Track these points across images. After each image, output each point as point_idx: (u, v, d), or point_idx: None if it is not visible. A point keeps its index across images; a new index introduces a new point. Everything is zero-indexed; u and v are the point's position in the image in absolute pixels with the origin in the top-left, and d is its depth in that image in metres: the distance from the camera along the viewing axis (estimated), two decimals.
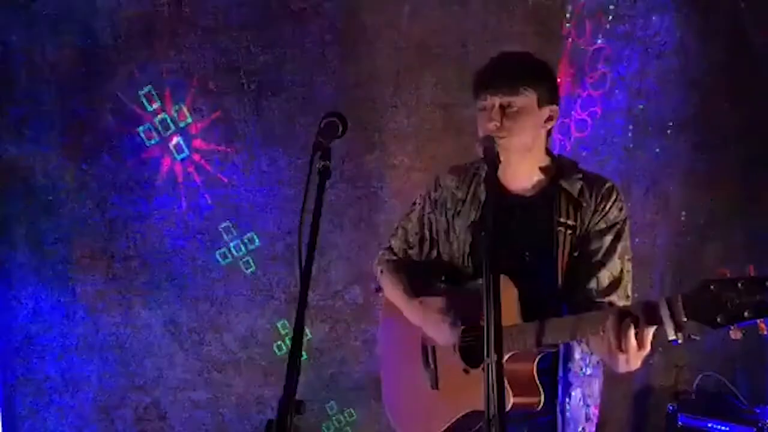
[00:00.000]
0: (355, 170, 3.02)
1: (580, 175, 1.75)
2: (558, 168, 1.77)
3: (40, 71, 2.91)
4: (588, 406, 1.76)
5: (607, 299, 1.67)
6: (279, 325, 3.06)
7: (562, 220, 1.70)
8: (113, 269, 3.00)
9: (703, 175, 3.11)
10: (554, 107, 1.73)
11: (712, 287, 1.28)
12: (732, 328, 1.27)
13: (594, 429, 1.79)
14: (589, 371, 1.75)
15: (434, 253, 1.90)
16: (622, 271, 1.72)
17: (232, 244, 3.03)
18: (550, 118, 1.73)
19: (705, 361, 3.08)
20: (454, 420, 1.73)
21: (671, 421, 2.87)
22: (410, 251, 1.93)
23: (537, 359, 1.61)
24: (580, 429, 1.74)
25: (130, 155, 2.98)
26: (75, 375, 3.02)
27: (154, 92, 2.94)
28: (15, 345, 2.98)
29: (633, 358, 1.44)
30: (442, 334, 1.74)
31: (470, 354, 1.72)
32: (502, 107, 1.67)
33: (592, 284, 1.68)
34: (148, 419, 3.06)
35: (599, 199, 1.72)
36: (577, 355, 1.72)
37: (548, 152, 1.80)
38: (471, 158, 1.88)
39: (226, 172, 3.01)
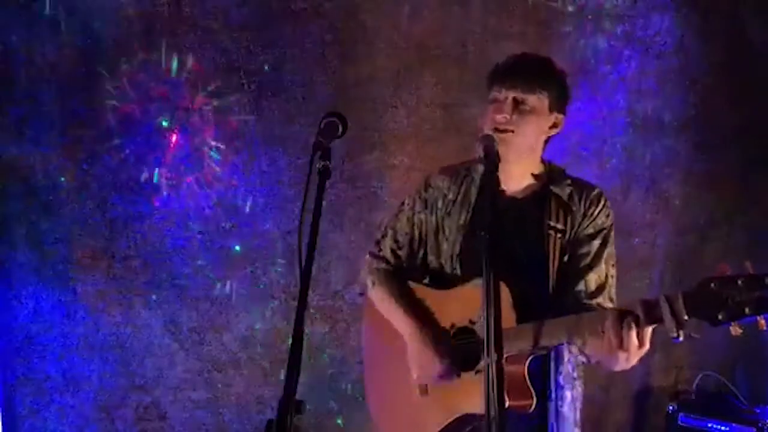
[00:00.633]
0: (355, 170, 3.02)
1: (569, 181, 1.79)
2: (549, 174, 1.80)
3: (40, 71, 2.91)
4: (577, 409, 1.78)
5: (594, 302, 1.69)
6: (279, 325, 3.06)
7: (552, 223, 1.72)
8: (114, 269, 3.00)
9: (703, 175, 3.12)
10: (561, 116, 1.76)
11: (712, 285, 1.30)
12: (732, 324, 1.29)
13: None
14: (575, 374, 1.77)
15: (422, 253, 1.90)
16: (607, 275, 1.74)
17: (232, 244, 3.03)
18: (554, 125, 1.76)
19: (705, 361, 3.09)
20: (445, 425, 1.72)
21: (671, 421, 2.87)
22: (399, 252, 1.92)
23: (528, 361, 1.60)
24: None
25: (131, 155, 2.98)
26: (75, 375, 3.02)
27: (154, 92, 2.94)
28: (15, 345, 2.98)
29: (633, 356, 1.45)
30: (426, 371, 1.74)
31: (461, 357, 1.71)
32: (515, 102, 1.68)
33: (581, 287, 1.70)
34: (149, 419, 3.06)
35: (588, 204, 1.75)
36: (566, 358, 1.73)
37: (542, 160, 1.83)
38: (467, 158, 1.89)
39: (226, 172, 3.01)
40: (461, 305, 1.72)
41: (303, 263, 1.33)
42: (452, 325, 1.75)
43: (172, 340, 3.04)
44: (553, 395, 1.70)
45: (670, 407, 2.89)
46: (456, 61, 2.99)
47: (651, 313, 1.39)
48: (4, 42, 2.88)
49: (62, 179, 2.95)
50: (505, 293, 1.58)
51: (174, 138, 2.98)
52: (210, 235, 3.02)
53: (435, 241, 1.86)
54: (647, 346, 1.44)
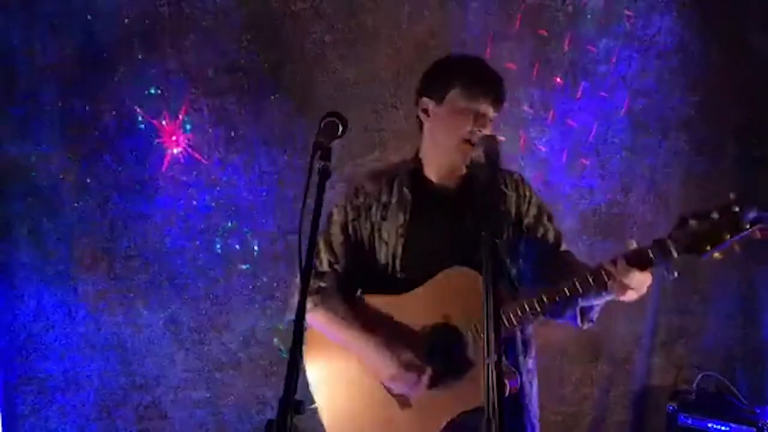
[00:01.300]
0: (355, 170, 3.02)
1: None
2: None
3: (41, 71, 2.92)
4: (535, 378, 1.86)
5: (562, 249, 1.83)
6: (279, 325, 3.06)
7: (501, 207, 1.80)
8: (115, 269, 3.00)
9: (703, 175, 3.11)
10: None
11: (691, 222, 1.49)
12: (716, 251, 1.48)
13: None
14: (530, 365, 1.84)
15: (360, 260, 1.86)
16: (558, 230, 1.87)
17: (232, 244, 3.04)
18: None
19: (705, 361, 3.08)
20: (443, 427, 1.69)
21: (671, 421, 2.87)
22: (337, 265, 1.86)
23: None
24: (535, 422, 1.82)
25: (131, 155, 2.98)
26: (76, 374, 3.02)
27: (154, 92, 2.95)
28: (17, 344, 2.99)
29: (641, 289, 1.57)
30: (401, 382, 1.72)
31: (438, 351, 1.70)
32: (489, 119, 1.75)
33: (549, 237, 1.84)
34: (149, 418, 3.06)
35: (515, 185, 1.85)
36: (532, 348, 1.83)
37: None
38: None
39: (226, 172, 3.01)
40: (425, 305, 1.73)
41: (303, 263, 1.33)
42: (423, 327, 1.74)
43: (172, 340, 3.05)
44: (526, 382, 1.77)
45: (670, 407, 2.88)
46: None
47: (641, 260, 1.52)
48: (4, 42, 2.89)
49: (63, 179, 2.95)
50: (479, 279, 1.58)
51: (174, 138, 2.98)
52: (210, 235, 3.03)
53: (371, 247, 1.84)
54: (650, 277, 1.57)
